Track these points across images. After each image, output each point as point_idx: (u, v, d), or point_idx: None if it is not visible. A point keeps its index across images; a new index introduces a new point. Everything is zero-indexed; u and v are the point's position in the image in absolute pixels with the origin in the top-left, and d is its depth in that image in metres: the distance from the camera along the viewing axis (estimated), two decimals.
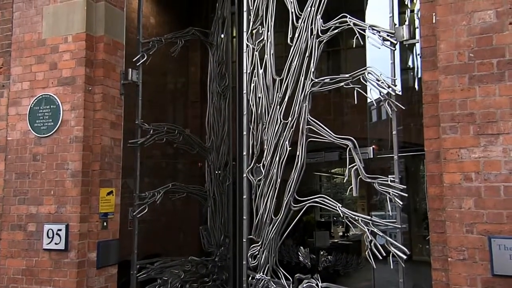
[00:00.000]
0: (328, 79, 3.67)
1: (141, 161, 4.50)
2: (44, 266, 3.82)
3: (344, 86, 3.52)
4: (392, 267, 3.19)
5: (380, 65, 3.49)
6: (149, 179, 5.52)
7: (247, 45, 4.20)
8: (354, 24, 3.53)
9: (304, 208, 3.73)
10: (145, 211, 4.44)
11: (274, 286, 3.73)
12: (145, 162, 5.05)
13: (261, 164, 3.93)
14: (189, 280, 4.76)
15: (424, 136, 3.05)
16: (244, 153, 4.10)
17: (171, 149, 6.20)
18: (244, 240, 4.04)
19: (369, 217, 3.45)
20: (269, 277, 3.77)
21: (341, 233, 11.19)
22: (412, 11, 3.74)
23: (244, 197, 4.12)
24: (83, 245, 3.81)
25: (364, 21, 3.56)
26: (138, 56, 4.50)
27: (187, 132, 5.07)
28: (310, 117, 3.68)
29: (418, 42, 3.30)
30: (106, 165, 4.04)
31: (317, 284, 3.53)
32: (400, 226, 3.27)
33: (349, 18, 3.56)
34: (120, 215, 4.20)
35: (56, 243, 3.77)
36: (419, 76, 3.34)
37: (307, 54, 3.75)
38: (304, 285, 3.59)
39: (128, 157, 4.40)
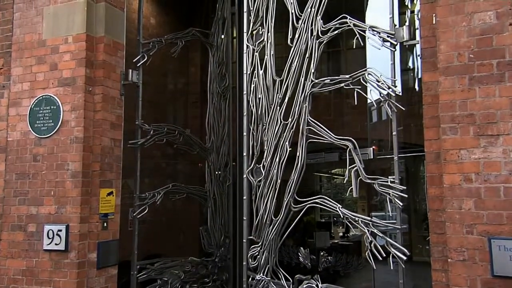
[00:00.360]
0: (328, 80, 3.67)
1: (141, 161, 4.50)
2: (44, 266, 3.82)
3: (344, 87, 3.53)
4: (392, 268, 3.20)
5: (380, 65, 3.50)
6: (149, 179, 5.52)
7: (247, 45, 4.21)
8: (354, 25, 3.53)
9: (304, 209, 3.74)
10: (145, 211, 4.44)
11: (274, 287, 3.73)
12: (146, 163, 5.05)
13: (261, 165, 3.94)
14: (189, 280, 4.76)
15: (424, 137, 3.06)
16: (244, 154, 4.10)
17: (171, 150, 6.20)
18: (244, 240, 4.04)
19: (369, 218, 3.45)
20: (269, 278, 3.77)
21: (341, 234, 11.19)
22: (412, 12, 3.74)
23: (244, 197, 4.12)
24: (83, 246, 3.81)
25: (364, 22, 3.57)
26: (139, 57, 4.51)
27: (187, 132, 5.07)
28: (310, 118, 3.69)
29: (418, 43, 3.30)
30: (106, 165, 4.04)
31: (317, 285, 3.53)
32: (400, 227, 3.27)
33: (349, 19, 3.56)
34: (120, 216, 4.20)
35: (56, 244, 3.77)
36: (419, 76, 3.35)
37: (307, 55, 3.75)
38: (304, 286, 3.59)
39: (128, 158, 4.40)
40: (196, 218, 6.64)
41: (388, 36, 3.38)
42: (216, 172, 5.27)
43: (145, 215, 4.46)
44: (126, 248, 4.32)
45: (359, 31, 3.51)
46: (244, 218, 4.10)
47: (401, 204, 3.23)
